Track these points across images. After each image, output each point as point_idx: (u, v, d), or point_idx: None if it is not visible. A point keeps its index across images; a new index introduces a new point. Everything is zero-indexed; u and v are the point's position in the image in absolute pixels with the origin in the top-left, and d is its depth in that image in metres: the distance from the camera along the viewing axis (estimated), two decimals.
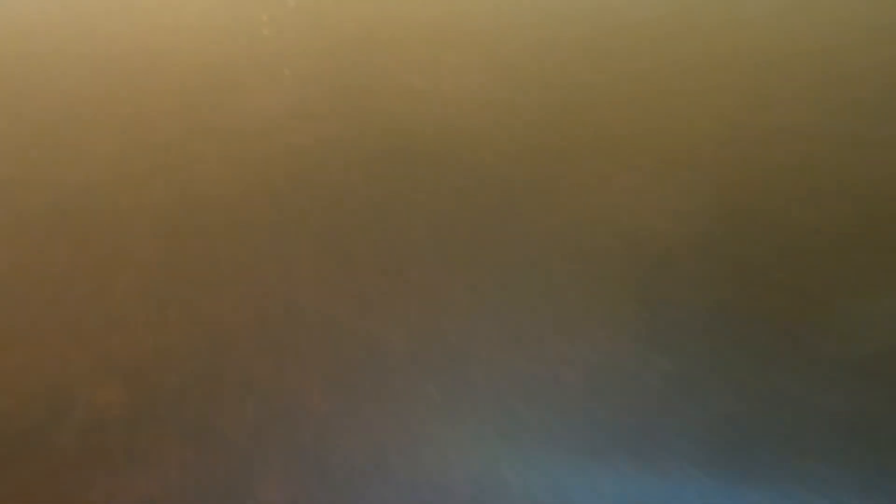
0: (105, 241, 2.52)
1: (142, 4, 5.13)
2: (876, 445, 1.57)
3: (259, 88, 3.57)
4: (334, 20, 4.65)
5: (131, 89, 3.64)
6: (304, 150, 3.04)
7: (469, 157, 3.03)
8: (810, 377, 1.78)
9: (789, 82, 3.58)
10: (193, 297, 2.20)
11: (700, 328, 2.01)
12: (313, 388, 1.85)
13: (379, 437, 1.73)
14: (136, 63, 3.96)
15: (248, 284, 2.28)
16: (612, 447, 1.70)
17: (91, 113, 3.45)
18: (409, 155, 3.05)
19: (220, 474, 1.69)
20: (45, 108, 3.53)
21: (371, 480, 1.74)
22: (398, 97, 3.47)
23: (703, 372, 1.88)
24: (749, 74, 3.67)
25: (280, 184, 2.80)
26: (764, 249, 2.29)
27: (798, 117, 3.09)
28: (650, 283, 2.18)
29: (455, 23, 4.45)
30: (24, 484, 1.70)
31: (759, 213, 2.45)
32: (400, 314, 2.13)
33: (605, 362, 1.94)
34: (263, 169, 2.88)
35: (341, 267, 2.37)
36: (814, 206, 2.51)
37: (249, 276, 2.32)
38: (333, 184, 2.85)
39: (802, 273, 2.12)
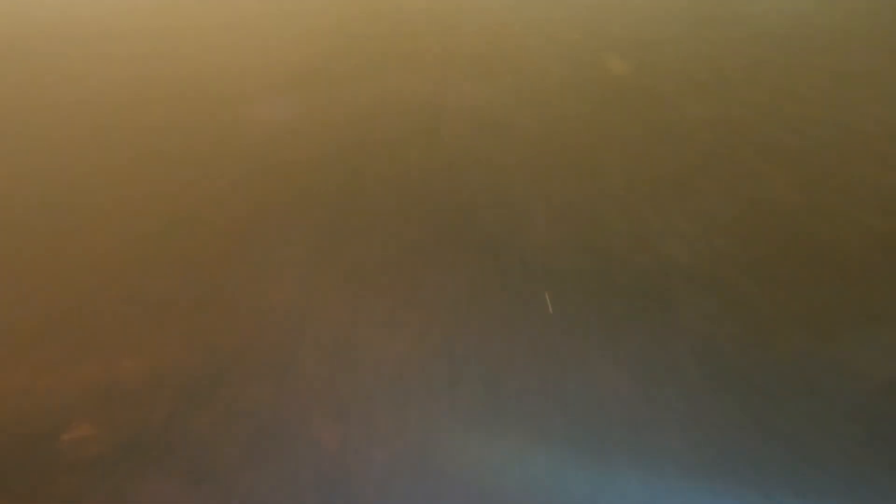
0: (84, 251, 2.30)
1: (146, 10, 5.00)
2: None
3: (260, 101, 3.44)
4: (335, 35, 4.58)
5: (134, 99, 3.47)
6: (305, 164, 2.86)
7: (477, 171, 2.90)
8: (811, 411, 1.70)
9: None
10: (186, 316, 1.97)
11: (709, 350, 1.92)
12: (321, 417, 1.63)
13: (397, 474, 1.51)
14: (141, 72, 3.81)
15: (248, 301, 2.07)
16: (621, 457, 1.61)
17: (87, 119, 3.28)
18: (413, 168, 2.89)
19: None
20: (50, 113, 3.36)
21: None
22: (399, 111, 3.36)
23: (709, 389, 1.79)
24: (763, 88, 3.59)
25: (281, 196, 2.61)
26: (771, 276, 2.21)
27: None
28: (656, 305, 2.11)
29: (459, 44, 4.38)
30: None
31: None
32: (414, 330, 1.93)
33: (613, 385, 1.81)
34: (263, 182, 2.70)
35: (347, 281, 2.17)
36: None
37: (248, 291, 2.10)
38: (340, 194, 2.67)
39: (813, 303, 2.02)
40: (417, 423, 1.64)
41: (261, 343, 1.84)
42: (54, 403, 1.65)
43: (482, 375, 1.76)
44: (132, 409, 1.65)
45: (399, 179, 2.74)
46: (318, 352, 1.82)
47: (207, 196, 2.56)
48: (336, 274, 2.17)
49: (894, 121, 3.07)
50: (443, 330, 1.91)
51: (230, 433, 1.59)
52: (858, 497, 1.41)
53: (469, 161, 2.93)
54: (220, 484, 1.47)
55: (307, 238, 2.32)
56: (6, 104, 3.40)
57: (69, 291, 2.02)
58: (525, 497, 1.49)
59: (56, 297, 1.98)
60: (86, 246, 2.24)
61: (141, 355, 1.80)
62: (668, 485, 1.49)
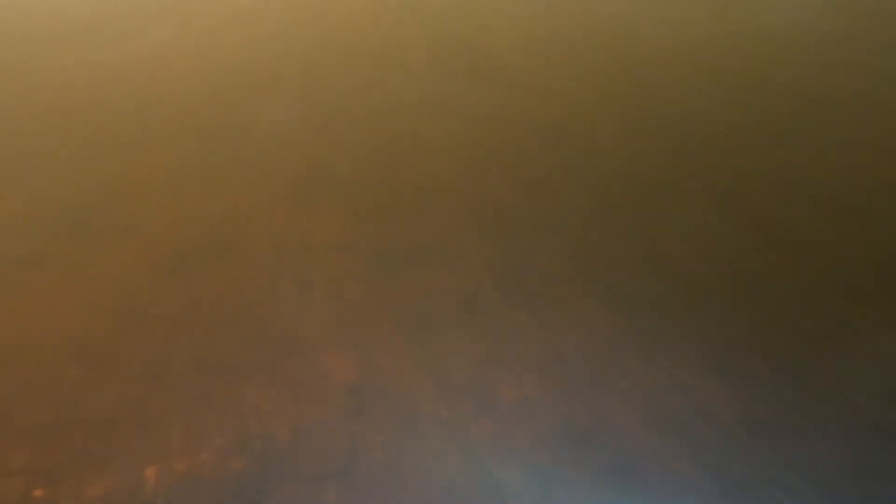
0: (77, 298, 1.96)
1: (157, 14, 4.89)
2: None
3: (269, 99, 3.21)
4: (342, 35, 4.41)
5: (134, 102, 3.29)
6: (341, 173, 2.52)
7: (479, 175, 2.56)
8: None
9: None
10: (219, 397, 1.59)
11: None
12: None
13: None
14: (147, 71, 3.65)
15: (293, 369, 1.67)
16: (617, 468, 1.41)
17: (90, 124, 3.08)
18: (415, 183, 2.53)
19: None
20: (65, 117, 3.18)
21: None
22: (401, 110, 3.12)
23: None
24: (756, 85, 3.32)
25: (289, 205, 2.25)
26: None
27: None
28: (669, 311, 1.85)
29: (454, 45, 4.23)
30: None
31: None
32: (513, 406, 1.49)
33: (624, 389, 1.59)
34: (260, 191, 2.37)
35: (412, 335, 1.75)
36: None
37: (294, 355, 1.71)
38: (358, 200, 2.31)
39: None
40: None
41: (321, 428, 1.45)
42: None
43: (569, 460, 1.33)
44: None
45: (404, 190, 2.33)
46: (389, 438, 1.41)
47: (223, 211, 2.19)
48: (400, 326, 1.75)
49: None
50: (533, 400, 1.48)
51: None
52: None
53: (479, 163, 2.51)
54: None
55: (360, 274, 1.90)
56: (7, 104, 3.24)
57: (63, 359, 1.67)
58: None
59: (49, 369, 1.64)
60: (80, 291, 1.90)
61: (166, 458, 1.42)
62: None
